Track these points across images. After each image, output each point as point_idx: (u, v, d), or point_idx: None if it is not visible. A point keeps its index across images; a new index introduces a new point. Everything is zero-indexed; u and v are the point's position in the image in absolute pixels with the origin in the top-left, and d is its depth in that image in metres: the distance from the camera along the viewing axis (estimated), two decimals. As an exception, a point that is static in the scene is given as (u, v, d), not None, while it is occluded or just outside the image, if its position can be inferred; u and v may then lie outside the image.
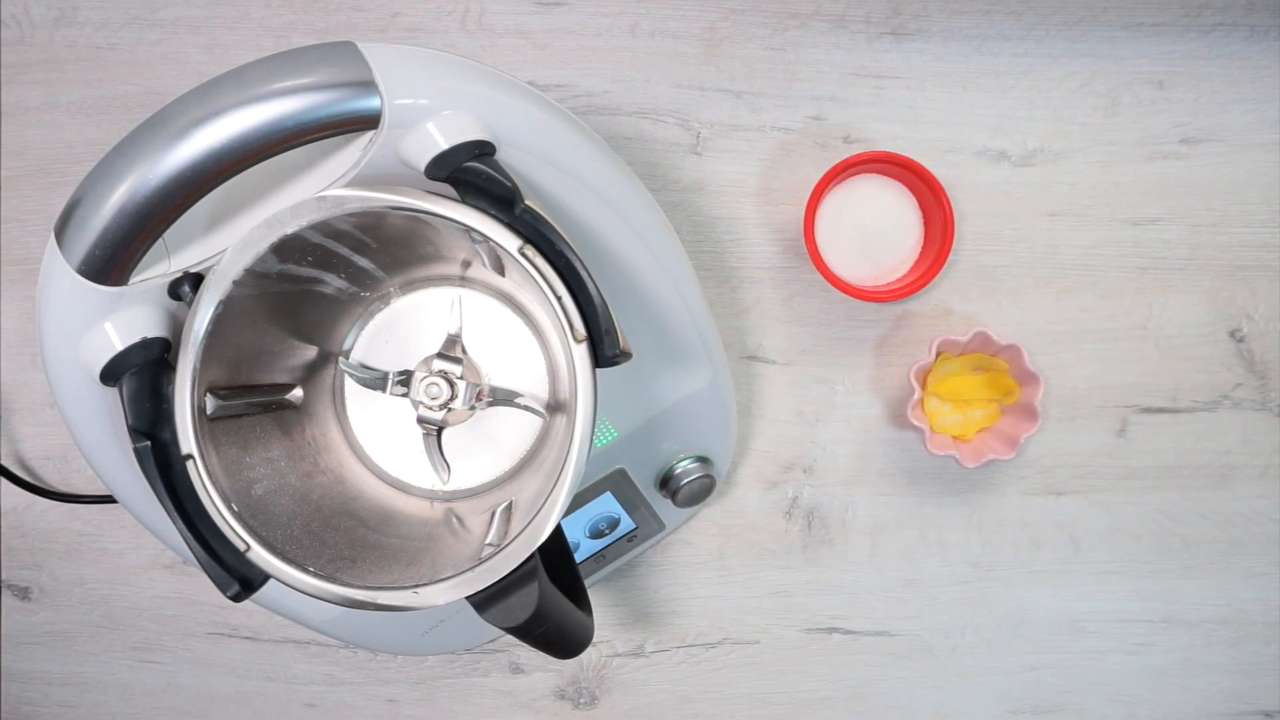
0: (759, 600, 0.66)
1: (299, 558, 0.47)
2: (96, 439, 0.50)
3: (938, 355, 0.63)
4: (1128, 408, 0.65)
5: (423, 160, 0.44)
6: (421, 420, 0.57)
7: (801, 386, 0.65)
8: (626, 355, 0.44)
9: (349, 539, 0.51)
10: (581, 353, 0.44)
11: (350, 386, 0.59)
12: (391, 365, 0.58)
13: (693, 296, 0.56)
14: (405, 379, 0.57)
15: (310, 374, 0.58)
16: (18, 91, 0.65)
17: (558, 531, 0.48)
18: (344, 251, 0.51)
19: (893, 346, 0.65)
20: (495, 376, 0.58)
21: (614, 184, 0.52)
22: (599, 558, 0.63)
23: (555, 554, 0.51)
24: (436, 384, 0.56)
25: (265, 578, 0.47)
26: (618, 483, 0.60)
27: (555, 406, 0.55)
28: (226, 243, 0.46)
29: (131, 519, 0.63)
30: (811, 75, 0.64)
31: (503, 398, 0.57)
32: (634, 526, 0.62)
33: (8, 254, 0.65)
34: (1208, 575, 0.65)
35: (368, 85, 0.43)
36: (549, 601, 0.46)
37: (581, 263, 0.45)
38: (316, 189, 0.45)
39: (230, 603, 0.46)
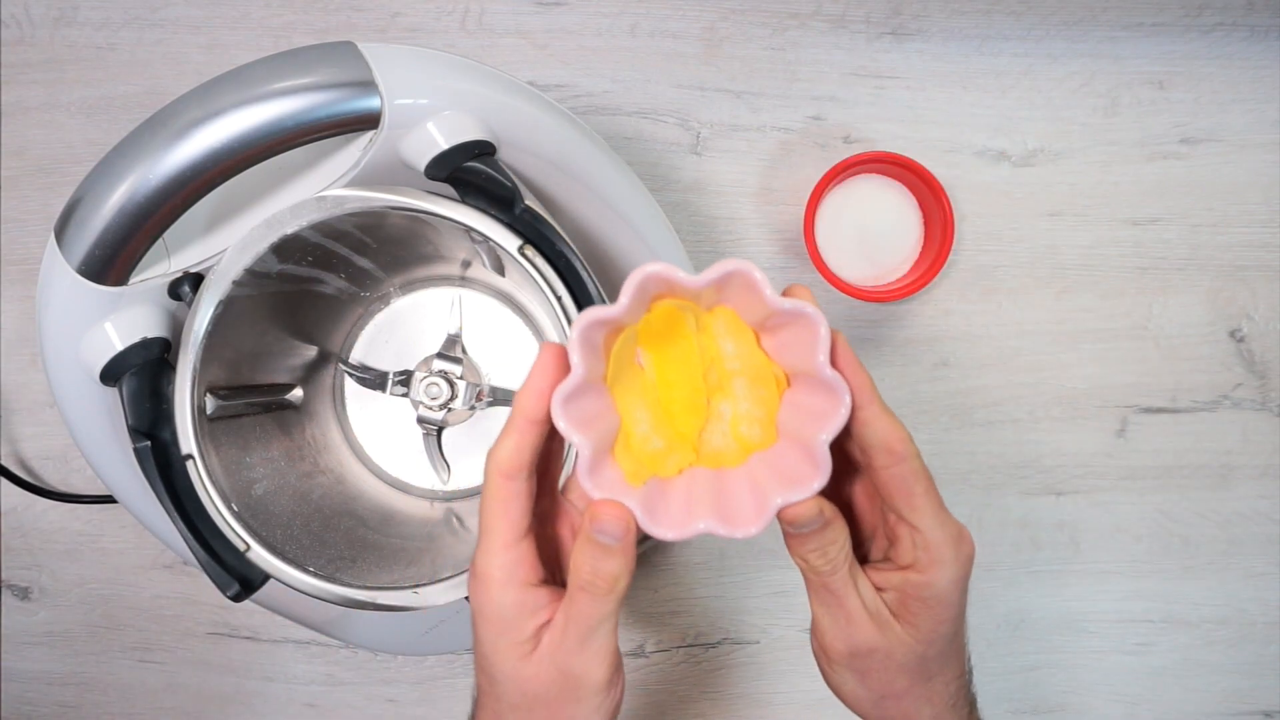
0: (759, 600, 0.66)
1: (299, 558, 0.47)
2: (96, 439, 0.50)
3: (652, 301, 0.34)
4: (1128, 408, 0.65)
5: (423, 160, 0.44)
6: (421, 420, 0.57)
7: (801, 386, 0.65)
8: (626, 355, 0.44)
9: (349, 539, 0.52)
10: (581, 353, 0.44)
11: (350, 386, 0.59)
12: (391, 365, 0.58)
13: (693, 296, 0.56)
14: (405, 379, 0.57)
15: (310, 374, 0.58)
16: (18, 91, 0.65)
17: (558, 531, 0.47)
18: (344, 251, 0.51)
19: (893, 346, 0.65)
20: (495, 376, 0.58)
21: (614, 184, 0.52)
22: (599, 558, 0.63)
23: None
24: (436, 384, 0.56)
25: (265, 578, 0.47)
26: (618, 483, 0.60)
27: (555, 406, 0.55)
28: (226, 243, 0.46)
29: (131, 519, 0.63)
30: (811, 75, 0.64)
31: (503, 398, 0.57)
32: (634, 526, 0.62)
33: (8, 254, 0.65)
34: (1208, 575, 0.65)
35: (368, 85, 0.43)
36: (549, 601, 0.45)
37: (582, 262, 0.45)
38: (316, 189, 0.45)
39: (230, 603, 0.46)
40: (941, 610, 0.36)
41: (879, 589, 0.36)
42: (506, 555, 0.34)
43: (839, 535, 0.35)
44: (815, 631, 0.37)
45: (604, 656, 0.34)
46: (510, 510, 0.34)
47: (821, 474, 0.33)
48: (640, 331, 0.34)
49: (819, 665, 0.39)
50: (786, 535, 0.35)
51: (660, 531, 0.32)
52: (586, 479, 0.32)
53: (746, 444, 0.35)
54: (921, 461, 0.35)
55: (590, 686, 0.34)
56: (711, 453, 0.35)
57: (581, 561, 0.33)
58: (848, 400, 0.33)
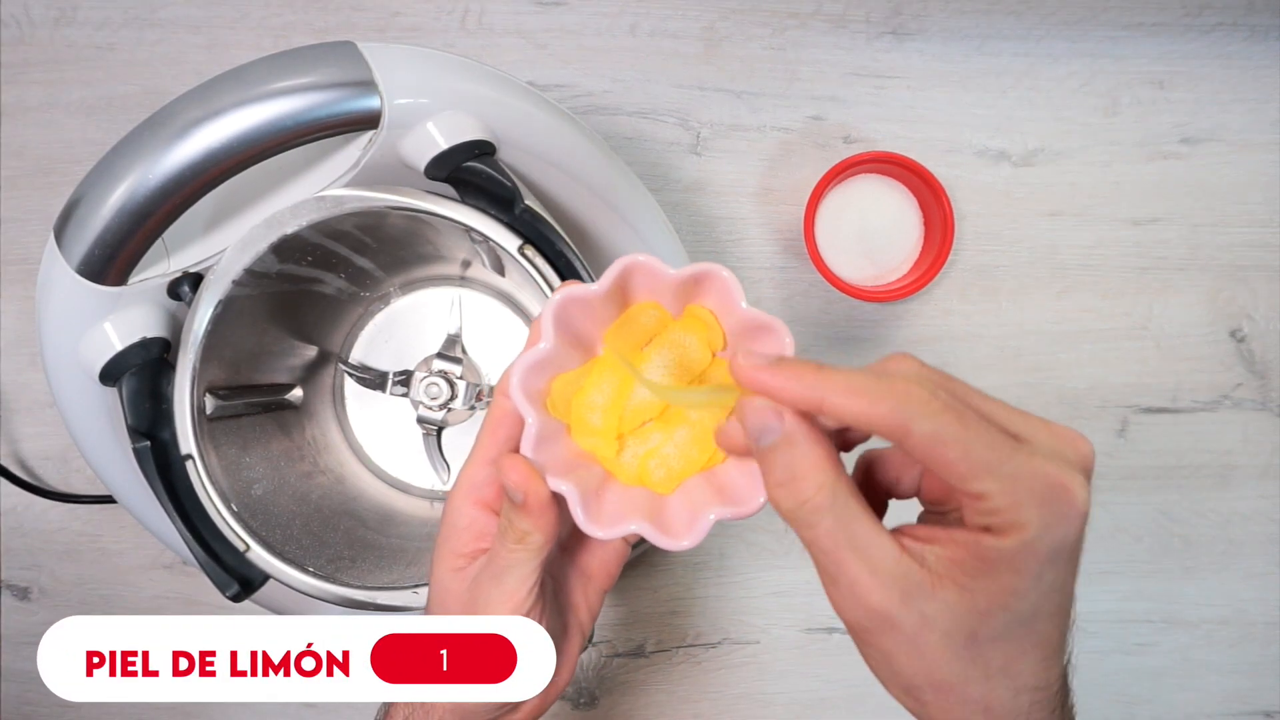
0: (759, 600, 0.65)
1: (298, 558, 0.47)
2: (96, 439, 0.50)
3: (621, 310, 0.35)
4: (1128, 408, 0.65)
5: (422, 160, 0.44)
6: (421, 420, 0.57)
7: (801, 386, 0.65)
8: (626, 355, 0.44)
9: (349, 539, 0.51)
10: (581, 353, 0.44)
11: (350, 386, 0.59)
12: (391, 365, 0.58)
13: (693, 296, 0.56)
14: (405, 379, 0.57)
15: (310, 374, 0.58)
16: (18, 91, 0.64)
17: (557, 531, 0.47)
18: (344, 251, 0.51)
19: (893, 346, 0.65)
20: (495, 376, 0.57)
21: (614, 184, 0.52)
22: (599, 558, 0.62)
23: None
24: (436, 384, 0.56)
25: (265, 578, 0.47)
26: (618, 483, 0.60)
27: (555, 406, 0.55)
28: (226, 243, 0.46)
29: (131, 519, 0.63)
30: (811, 75, 0.64)
31: (502, 398, 0.57)
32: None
33: (8, 254, 0.65)
34: (1208, 575, 0.65)
35: (367, 85, 0.43)
36: (548, 601, 0.45)
37: (582, 262, 0.45)
38: (316, 189, 0.45)
39: (230, 603, 0.46)
40: (1008, 578, 0.27)
41: (934, 543, 0.28)
42: (480, 471, 0.36)
43: (810, 464, 0.28)
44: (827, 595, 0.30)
45: (509, 600, 0.35)
46: (499, 429, 0.35)
47: (762, 491, 0.31)
48: (669, 327, 0.35)
49: None
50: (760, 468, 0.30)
51: (591, 528, 0.32)
52: (529, 448, 0.33)
53: (644, 476, 0.35)
54: (941, 419, 0.27)
55: None
56: (619, 463, 0.35)
57: (503, 511, 0.34)
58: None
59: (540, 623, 0.36)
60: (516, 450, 0.34)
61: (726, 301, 0.33)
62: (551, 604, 0.37)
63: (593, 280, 0.37)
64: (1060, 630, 0.29)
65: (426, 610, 0.38)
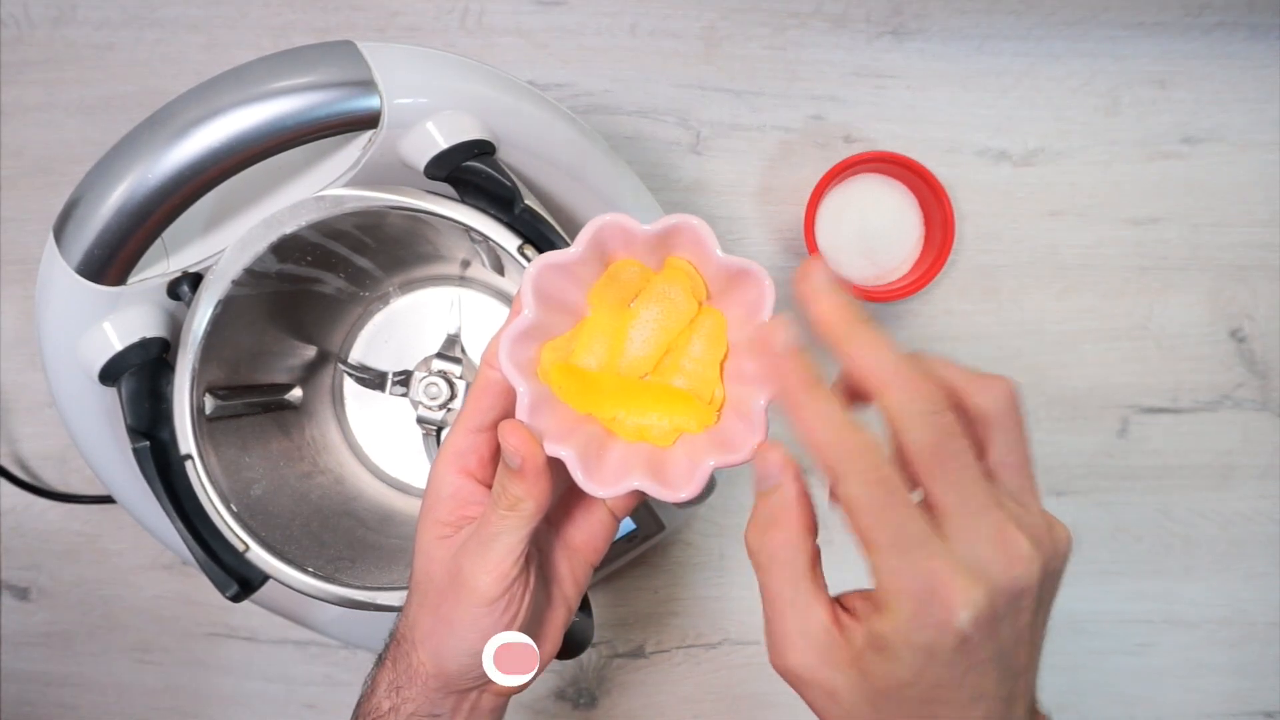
0: (759, 601, 0.65)
1: (298, 558, 0.47)
2: (95, 439, 0.50)
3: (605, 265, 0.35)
4: (1128, 408, 0.65)
5: (422, 160, 0.44)
6: (421, 420, 0.57)
7: (802, 386, 0.65)
8: (626, 355, 0.44)
9: (348, 539, 0.51)
10: (581, 353, 0.44)
11: (349, 386, 0.59)
12: (391, 365, 0.58)
13: (693, 296, 0.56)
14: (404, 379, 0.57)
15: (309, 374, 0.58)
16: (17, 91, 0.64)
17: (557, 532, 0.47)
18: (343, 251, 0.51)
19: (893, 346, 0.65)
20: (495, 376, 0.57)
21: (614, 184, 0.52)
22: (599, 558, 0.62)
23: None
24: (436, 384, 0.56)
25: (264, 578, 0.47)
26: (617, 483, 0.60)
27: (555, 406, 0.55)
28: (225, 242, 0.46)
29: (130, 519, 0.63)
30: (812, 75, 0.64)
31: (502, 398, 0.57)
32: (634, 527, 0.62)
33: (7, 254, 0.65)
34: (1208, 575, 0.65)
35: (367, 85, 0.43)
36: (548, 602, 0.45)
37: (581, 262, 0.45)
38: (315, 189, 0.45)
39: (229, 603, 0.46)
40: (890, 665, 0.28)
41: (852, 615, 0.30)
42: (464, 439, 0.36)
43: (789, 520, 0.31)
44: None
45: (495, 570, 0.35)
46: (482, 398, 0.35)
47: (756, 435, 0.33)
48: (652, 281, 0.35)
49: None
50: None
51: (592, 487, 0.33)
52: (525, 416, 0.33)
53: (644, 431, 0.35)
54: (869, 490, 0.28)
55: (473, 591, 0.35)
56: (618, 420, 0.36)
57: (497, 477, 0.35)
58: None
59: (525, 594, 0.36)
60: (488, 429, 0.35)
61: (702, 251, 0.34)
62: (537, 576, 0.37)
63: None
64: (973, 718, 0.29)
65: (410, 579, 0.38)
